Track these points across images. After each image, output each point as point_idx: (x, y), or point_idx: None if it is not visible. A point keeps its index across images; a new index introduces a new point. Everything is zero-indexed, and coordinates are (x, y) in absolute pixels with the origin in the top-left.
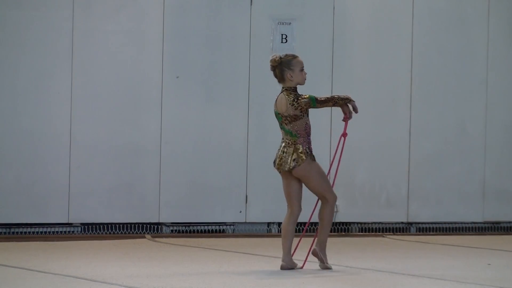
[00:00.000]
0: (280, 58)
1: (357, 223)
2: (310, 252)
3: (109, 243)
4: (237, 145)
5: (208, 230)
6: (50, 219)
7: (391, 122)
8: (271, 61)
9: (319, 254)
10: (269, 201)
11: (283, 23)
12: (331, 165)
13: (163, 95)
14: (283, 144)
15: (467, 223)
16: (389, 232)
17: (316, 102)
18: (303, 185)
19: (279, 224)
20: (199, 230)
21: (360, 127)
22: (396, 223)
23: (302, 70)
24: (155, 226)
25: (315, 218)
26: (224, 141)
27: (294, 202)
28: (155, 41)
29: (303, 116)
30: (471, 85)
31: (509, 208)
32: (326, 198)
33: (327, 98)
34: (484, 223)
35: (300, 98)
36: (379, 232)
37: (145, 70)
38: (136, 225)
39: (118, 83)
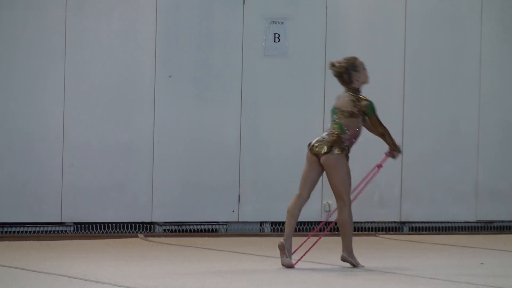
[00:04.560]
0: (345, 63)
1: None
2: (340, 258)
3: (102, 243)
4: (230, 145)
5: (201, 229)
6: (43, 219)
7: (383, 121)
8: (337, 67)
9: (348, 259)
10: (261, 200)
11: (275, 23)
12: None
13: (156, 95)
14: (326, 133)
15: (460, 222)
16: (382, 231)
17: (373, 111)
18: (324, 178)
19: (272, 223)
20: (192, 230)
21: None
22: (389, 222)
23: (364, 69)
24: (148, 226)
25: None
26: (217, 140)
27: (306, 188)
28: (148, 40)
29: (359, 116)
30: (464, 85)
31: (502, 207)
32: (344, 199)
33: (383, 125)
34: (477, 222)
35: (361, 100)
36: (372, 231)
37: (138, 69)
38: (129, 225)
39: (111, 82)
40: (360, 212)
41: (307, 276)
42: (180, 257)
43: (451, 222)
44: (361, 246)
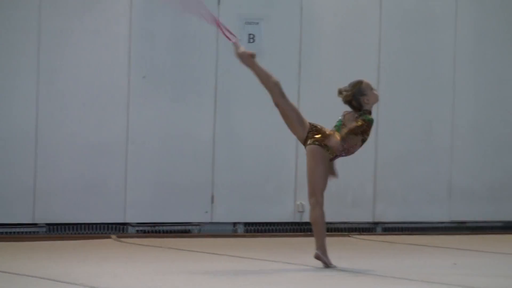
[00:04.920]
0: (351, 90)
1: None
2: (313, 256)
3: (75, 244)
4: (204, 145)
5: (174, 230)
6: (15, 219)
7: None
8: (345, 96)
9: (322, 257)
10: (235, 201)
11: (250, 23)
12: None
13: (130, 95)
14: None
15: (434, 223)
16: (355, 232)
17: (364, 123)
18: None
19: (245, 224)
20: (165, 230)
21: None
22: (362, 223)
23: (372, 89)
24: (121, 227)
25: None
26: (191, 141)
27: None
28: (122, 41)
29: (358, 135)
30: (438, 86)
31: (475, 208)
32: (318, 197)
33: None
34: (450, 222)
35: (363, 115)
36: (345, 232)
37: (112, 70)
38: (102, 226)
39: (84, 83)
40: (333, 213)
41: (279, 277)
42: (153, 258)
43: (424, 223)
44: (334, 246)
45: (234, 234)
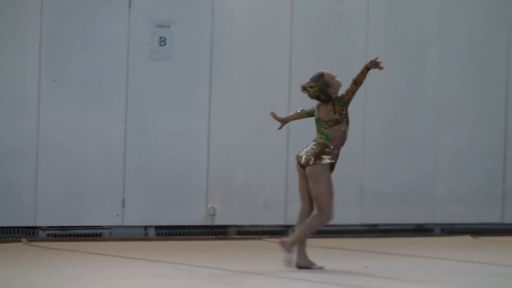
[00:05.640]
0: (316, 85)
1: (235, 226)
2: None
3: None
4: (115, 149)
5: (85, 233)
6: None
7: (269, 125)
8: (312, 92)
9: (286, 244)
10: (146, 204)
11: (162, 26)
12: None
13: (41, 98)
14: (314, 143)
15: (345, 225)
16: (267, 235)
17: (343, 100)
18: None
19: (156, 227)
20: (76, 234)
21: (239, 130)
22: (274, 226)
23: (333, 78)
24: (31, 230)
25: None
26: (102, 144)
27: (304, 200)
28: (33, 44)
29: (343, 120)
30: None
31: (386, 210)
32: (323, 210)
33: (351, 87)
34: (361, 225)
35: (335, 104)
36: (257, 235)
37: (22, 73)
38: (11, 229)
39: None
40: (245, 216)
41: (189, 279)
42: (64, 262)
43: (336, 225)
44: (246, 249)
45: (145, 238)
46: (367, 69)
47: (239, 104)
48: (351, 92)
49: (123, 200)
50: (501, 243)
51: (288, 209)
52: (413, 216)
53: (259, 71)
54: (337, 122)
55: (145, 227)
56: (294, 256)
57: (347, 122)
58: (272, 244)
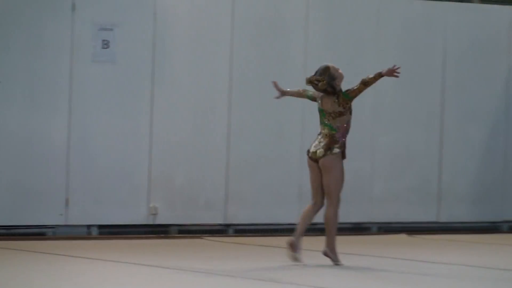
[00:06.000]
0: (323, 79)
1: (176, 225)
2: (322, 253)
3: None
4: (58, 149)
5: (29, 233)
6: None
7: (210, 126)
8: (321, 86)
9: (330, 254)
10: (89, 204)
11: (105, 29)
12: None
13: None
14: (320, 136)
15: (284, 224)
16: (208, 234)
17: (349, 96)
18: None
19: (99, 226)
20: (20, 233)
21: (180, 130)
22: (214, 225)
23: (337, 71)
24: None
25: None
26: (45, 145)
27: (318, 194)
28: None
29: (347, 112)
30: None
31: (323, 209)
32: (332, 198)
33: (360, 87)
34: None
35: (339, 97)
36: (197, 234)
37: None
38: None
39: None
40: (186, 215)
41: (132, 278)
42: (7, 261)
43: (275, 224)
44: (187, 248)
45: (88, 236)
46: (380, 76)
47: (181, 105)
48: (359, 91)
49: (67, 200)
50: (436, 241)
51: (228, 208)
52: (351, 215)
53: (200, 73)
54: (340, 114)
55: (88, 226)
56: (299, 256)
57: (350, 113)
58: (212, 242)
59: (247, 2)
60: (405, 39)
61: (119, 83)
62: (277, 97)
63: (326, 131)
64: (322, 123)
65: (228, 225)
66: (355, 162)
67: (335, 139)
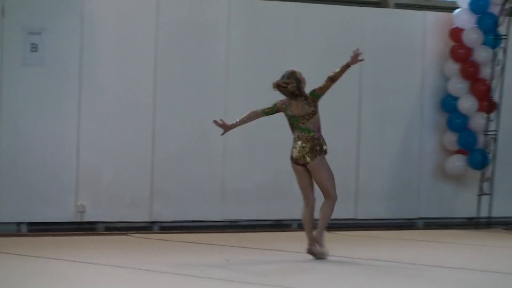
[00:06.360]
0: (294, 82)
1: (103, 222)
2: (306, 251)
3: None
4: None
5: None
6: None
7: (136, 126)
8: (290, 88)
9: (315, 250)
10: (19, 202)
11: (33, 33)
12: None
13: None
14: (300, 142)
15: (208, 221)
16: (133, 230)
17: (317, 94)
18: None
19: (29, 223)
20: None
21: (107, 131)
22: (139, 222)
23: (301, 74)
24: None
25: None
26: None
27: (308, 193)
28: None
29: (317, 110)
30: (212, 91)
31: (246, 207)
32: (330, 193)
33: (327, 83)
34: (223, 221)
35: (307, 98)
36: (124, 231)
37: None
38: None
39: None
40: (112, 212)
41: (61, 274)
42: None
43: (199, 221)
44: (114, 245)
45: (18, 234)
46: (348, 66)
47: (107, 107)
48: (326, 87)
49: None
50: (353, 237)
51: (153, 206)
52: (272, 212)
53: (126, 75)
54: (313, 114)
55: (18, 224)
56: (322, 249)
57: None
58: (138, 239)
59: (171, 6)
60: (323, 42)
61: (48, 85)
62: (223, 134)
63: (305, 134)
64: (297, 128)
65: (153, 222)
66: (275, 161)
67: (316, 139)
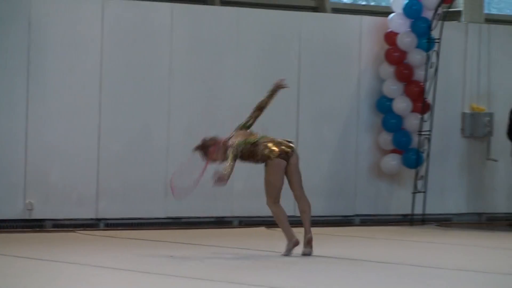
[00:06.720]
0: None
1: (51, 219)
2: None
3: None
4: None
5: None
6: None
7: (82, 126)
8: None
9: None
10: None
11: None
12: None
13: None
14: (272, 139)
15: (151, 218)
16: (80, 227)
17: (248, 125)
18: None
19: None
20: None
21: (54, 130)
22: (86, 219)
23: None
24: None
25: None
26: None
27: (294, 188)
28: None
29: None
30: (156, 94)
31: (188, 204)
32: (272, 199)
33: (255, 113)
34: (166, 218)
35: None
36: (71, 228)
37: None
38: None
39: None
40: (60, 210)
41: (11, 269)
42: None
43: (143, 219)
44: (61, 242)
45: None
46: (274, 92)
47: (54, 107)
48: (255, 118)
49: None
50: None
51: (99, 203)
52: (214, 209)
53: (72, 77)
54: (251, 134)
55: None
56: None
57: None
58: (85, 236)
59: (116, 9)
60: (263, 45)
61: None
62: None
63: (268, 138)
64: (258, 139)
65: (99, 220)
66: None
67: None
